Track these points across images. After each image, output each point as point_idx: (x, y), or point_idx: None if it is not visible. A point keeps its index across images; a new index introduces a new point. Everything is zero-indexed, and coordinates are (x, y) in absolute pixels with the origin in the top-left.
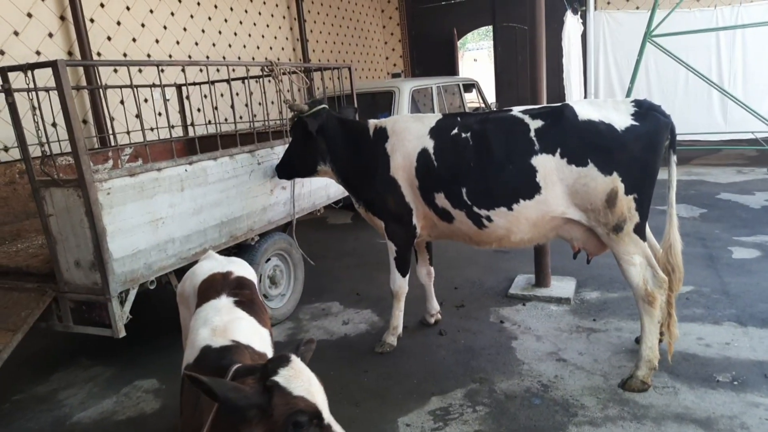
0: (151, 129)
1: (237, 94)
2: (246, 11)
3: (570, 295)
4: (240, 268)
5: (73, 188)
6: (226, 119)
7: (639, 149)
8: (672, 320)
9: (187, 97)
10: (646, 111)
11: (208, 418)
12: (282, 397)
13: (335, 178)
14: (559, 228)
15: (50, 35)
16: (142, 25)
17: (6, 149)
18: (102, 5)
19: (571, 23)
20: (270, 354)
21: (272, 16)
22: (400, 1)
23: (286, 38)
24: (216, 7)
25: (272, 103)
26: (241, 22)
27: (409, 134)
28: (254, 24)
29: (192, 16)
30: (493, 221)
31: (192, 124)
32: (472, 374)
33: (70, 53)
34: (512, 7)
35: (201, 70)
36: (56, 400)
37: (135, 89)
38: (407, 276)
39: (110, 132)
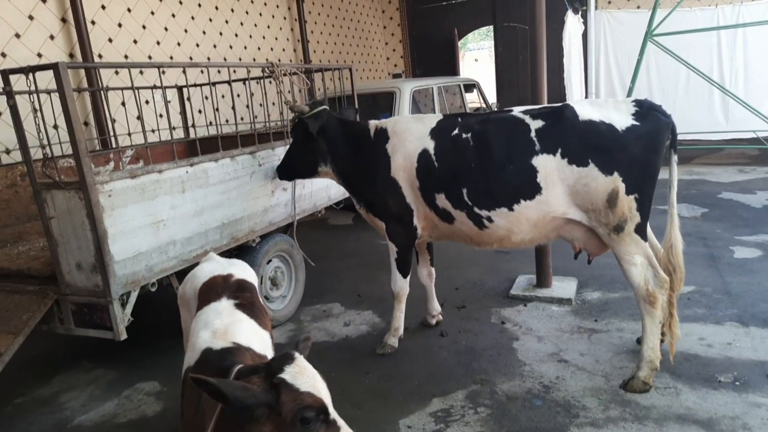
0: (153, 131)
1: (238, 95)
2: (247, 12)
3: (571, 296)
4: (241, 270)
5: (75, 190)
6: (227, 120)
7: (640, 149)
8: (673, 320)
9: (188, 99)
10: (646, 111)
11: (211, 421)
12: (289, 393)
13: (336, 179)
14: (560, 228)
15: (51, 37)
16: (143, 27)
17: (7, 151)
18: (103, 7)
19: (572, 23)
20: (271, 356)
21: (273, 17)
22: (401, 1)
23: (287, 39)
24: (217, 8)
25: (273, 104)
26: (241, 24)
27: (409, 135)
28: (255, 25)
29: (193, 18)
30: (493, 222)
31: (193, 126)
32: (473, 375)
33: (71, 55)
34: (513, 7)
35: (202, 72)
36: (58, 402)
37: (136, 91)
38: (408, 277)
39: (111, 134)
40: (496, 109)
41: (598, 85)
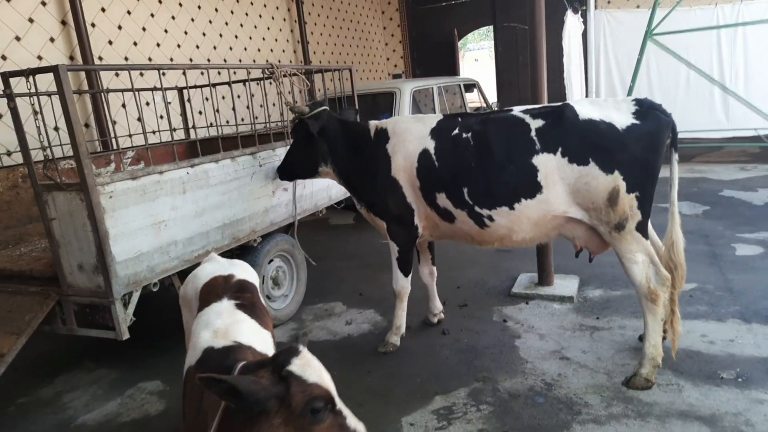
0: (153, 132)
1: (238, 96)
2: (246, 14)
3: (573, 294)
4: (242, 270)
5: (76, 192)
6: (227, 121)
7: (640, 148)
8: (675, 317)
9: (189, 100)
10: (647, 110)
11: (213, 421)
12: (299, 385)
13: (337, 179)
14: (561, 227)
15: (52, 40)
16: (143, 29)
17: (9, 153)
18: (103, 10)
19: (572, 22)
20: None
21: (273, 18)
22: (401, 2)
23: (287, 40)
24: (217, 10)
25: (273, 105)
26: (241, 25)
27: (410, 135)
28: (255, 27)
29: (193, 20)
30: (494, 221)
31: (194, 127)
32: (475, 373)
33: (71, 58)
34: (513, 7)
35: (202, 73)
36: (60, 402)
37: (136, 93)
38: (410, 276)
39: (112, 135)
40: (496, 109)
41: (599, 84)
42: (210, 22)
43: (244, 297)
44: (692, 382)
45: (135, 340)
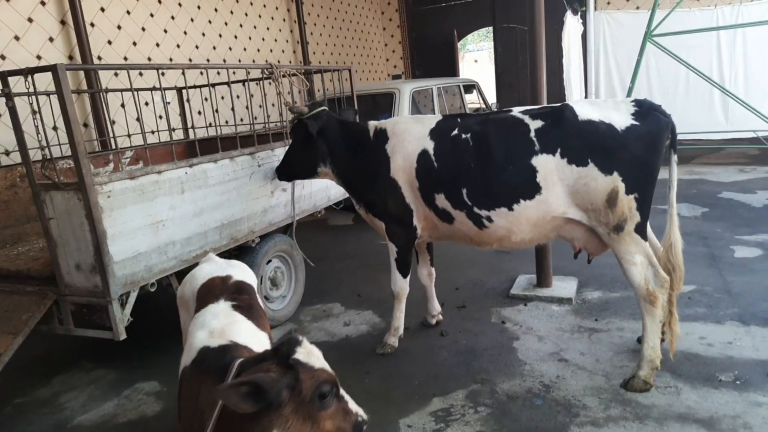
0: (152, 132)
1: (237, 96)
2: (246, 14)
3: (571, 295)
4: (239, 271)
5: (74, 191)
6: (226, 122)
7: (639, 149)
8: (673, 318)
9: (188, 100)
10: (646, 111)
11: (209, 420)
12: (306, 372)
13: (336, 179)
14: (560, 228)
15: (51, 40)
16: (143, 29)
17: (7, 153)
18: (102, 9)
19: (571, 24)
20: None
21: (272, 18)
22: (400, 2)
23: (287, 41)
24: (216, 10)
25: (272, 105)
26: (241, 25)
27: (409, 135)
28: (254, 27)
29: (192, 20)
30: (493, 222)
31: (192, 127)
32: (473, 375)
33: (70, 57)
34: (512, 8)
35: (201, 73)
36: (57, 403)
37: (135, 93)
38: (408, 277)
39: (111, 135)
40: (495, 110)
41: (598, 85)
42: (209, 22)
43: (242, 298)
44: (690, 385)
45: (132, 340)
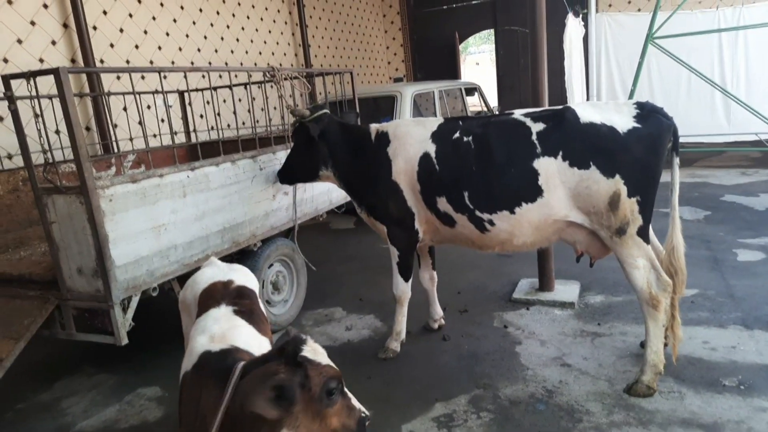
0: (154, 135)
1: (239, 99)
2: (248, 17)
3: (574, 299)
4: (241, 276)
5: (76, 195)
6: (228, 125)
7: (641, 151)
8: (675, 322)
9: (190, 104)
10: (648, 113)
11: (212, 425)
12: (315, 368)
13: (337, 182)
14: (562, 231)
15: (53, 43)
16: (145, 32)
17: (9, 157)
18: (105, 13)
19: (573, 26)
20: None
21: (274, 21)
22: (402, 5)
23: (288, 44)
24: (218, 13)
25: (274, 108)
26: (243, 28)
27: (410, 138)
28: (256, 30)
29: (194, 23)
30: (495, 225)
31: (194, 130)
32: (476, 380)
33: (73, 60)
34: (514, 10)
35: (203, 76)
36: (59, 408)
37: (137, 96)
38: (410, 281)
39: (113, 139)
40: (497, 113)
41: (600, 88)
42: (211, 25)
43: (243, 303)
44: (694, 390)
45: (134, 345)
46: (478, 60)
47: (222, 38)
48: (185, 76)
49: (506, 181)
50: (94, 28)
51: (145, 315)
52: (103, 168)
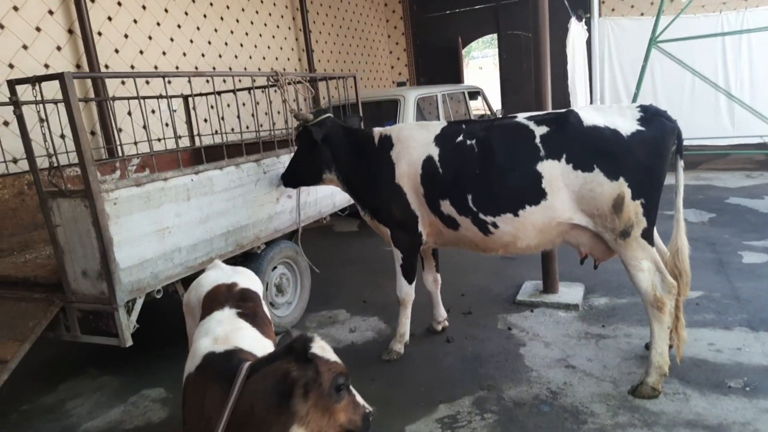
0: (158, 140)
1: (243, 104)
2: (252, 23)
3: (578, 302)
4: (245, 278)
5: (80, 199)
6: (232, 129)
7: (645, 154)
8: (680, 323)
9: (194, 108)
10: (651, 116)
11: (217, 426)
12: (324, 364)
13: (341, 186)
14: (566, 234)
15: (58, 48)
16: (149, 38)
17: (15, 161)
18: (109, 18)
19: (576, 30)
20: None
21: (278, 27)
22: (405, 10)
23: (292, 48)
24: (222, 18)
25: (278, 112)
26: (247, 34)
27: (414, 142)
28: (260, 35)
29: (198, 28)
30: (499, 227)
31: (198, 135)
32: (480, 381)
33: (78, 66)
34: (516, 15)
35: (207, 81)
36: (64, 410)
37: (142, 101)
38: (414, 283)
39: (118, 143)
40: (500, 116)
41: (603, 92)
42: (215, 30)
43: (247, 306)
44: (699, 391)
45: (138, 347)
46: (482, 64)
47: (226, 43)
48: (189, 81)
49: (510, 184)
50: (99, 33)
51: (149, 317)
52: (107, 172)
